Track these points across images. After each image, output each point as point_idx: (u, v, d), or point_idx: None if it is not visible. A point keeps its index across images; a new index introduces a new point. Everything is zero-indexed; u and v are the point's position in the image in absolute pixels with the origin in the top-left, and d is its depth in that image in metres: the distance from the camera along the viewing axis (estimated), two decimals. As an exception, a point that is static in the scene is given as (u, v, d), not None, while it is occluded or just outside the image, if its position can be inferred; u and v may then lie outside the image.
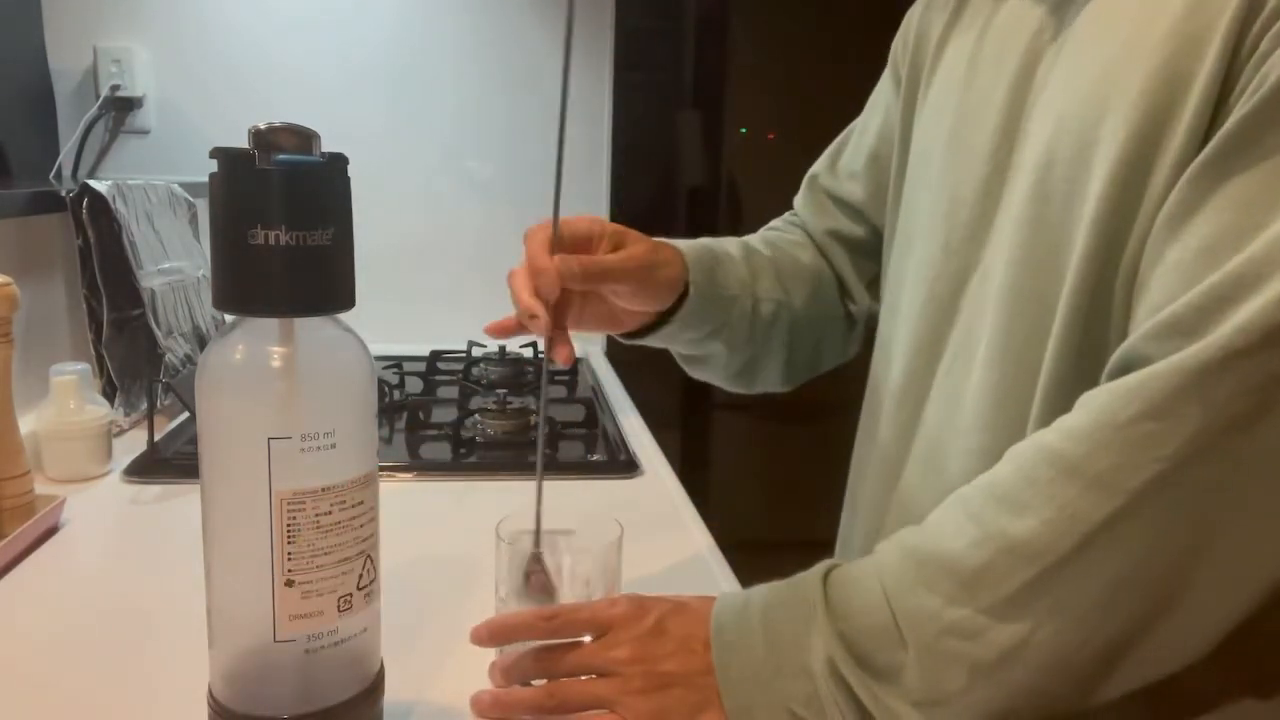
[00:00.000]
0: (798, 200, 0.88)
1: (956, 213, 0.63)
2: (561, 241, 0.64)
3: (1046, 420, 0.51)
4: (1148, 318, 0.47)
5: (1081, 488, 0.45)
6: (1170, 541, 0.44)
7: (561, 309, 0.66)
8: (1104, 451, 0.45)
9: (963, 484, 0.55)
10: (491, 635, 0.58)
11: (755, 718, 0.51)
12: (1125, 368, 0.47)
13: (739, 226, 2.33)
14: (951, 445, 0.62)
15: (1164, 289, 0.47)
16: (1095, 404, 0.46)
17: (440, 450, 1.10)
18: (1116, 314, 0.52)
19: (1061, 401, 0.52)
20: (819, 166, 0.86)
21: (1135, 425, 0.44)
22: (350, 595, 0.48)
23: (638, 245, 0.68)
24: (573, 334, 0.68)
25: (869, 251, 0.80)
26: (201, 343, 1.27)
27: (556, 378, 1.48)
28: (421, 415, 1.22)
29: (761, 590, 0.56)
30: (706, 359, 0.80)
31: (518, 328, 0.67)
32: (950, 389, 0.63)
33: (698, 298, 0.72)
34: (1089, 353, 0.52)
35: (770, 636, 0.53)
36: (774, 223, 0.89)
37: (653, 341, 0.76)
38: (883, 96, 0.81)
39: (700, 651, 0.54)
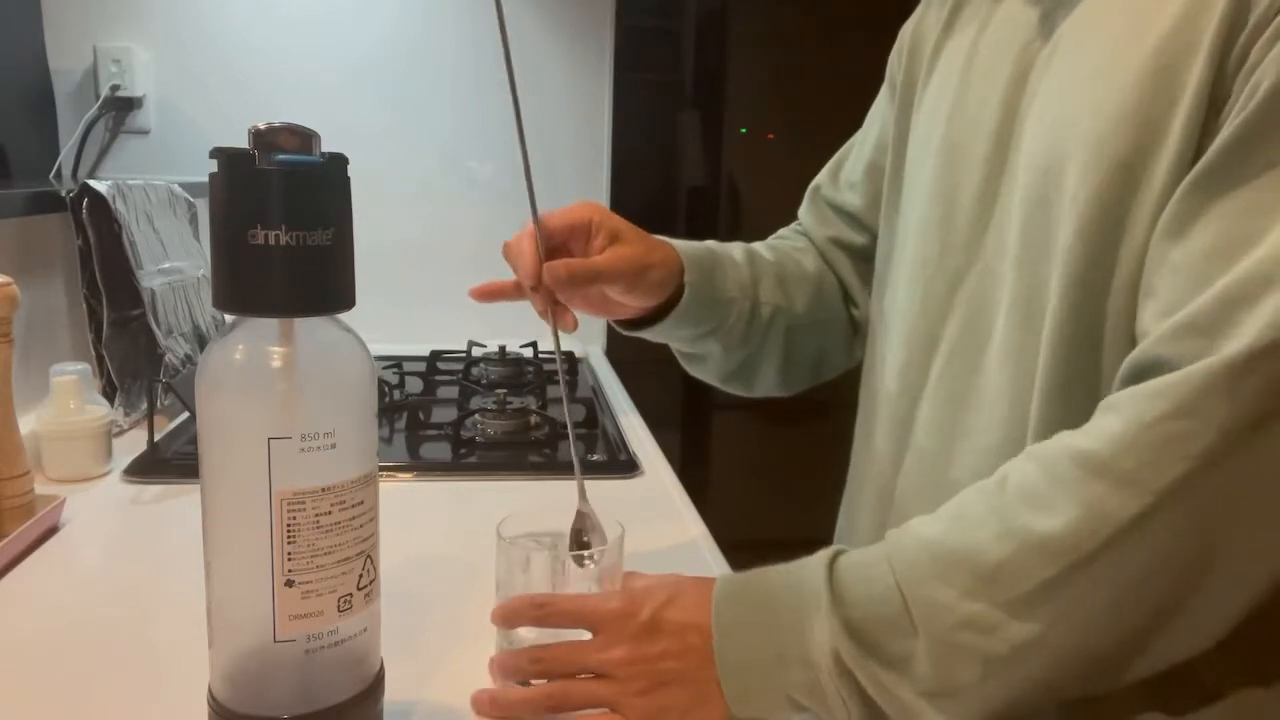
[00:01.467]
0: (801, 211, 0.89)
1: (954, 215, 0.63)
2: (555, 231, 0.66)
3: (1045, 416, 0.51)
4: (1159, 320, 0.48)
5: (1109, 487, 0.45)
6: (1192, 540, 0.45)
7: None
8: (1131, 451, 0.45)
9: (972, 481, 0.55)
10: (502, 618, 0.59)
11: (754, 703, 0.52)
12: (1143, 370, 0.47)
13: (739, 227, 2.33)
14: (958, 444, 0.62)
15: (1173, 291, 0.48)
16: (1121, 406, 0.47)
17: (440, 450, 1.10)
18: (1111, 314, 0.52)
19: (1058, 397, 0.52)
20: (821, 178, 0.87)
21: (1162, 425, 0.44)
22: (350, 595, 0.48)
23: (632, 245, 0.68)
24: (566, 330, 0.68)
25: (870, 258, 0.81)
26: (201, 343, 1.27)
27: (556, 377, 1.48)
28: (421, 415, 1.22)
29: (762, 575, 0.56)
30: (704, 357, 0.80)
31: (515, 291, 0.68)
32: (949, 388, 0.63)
33: (694, 298, 0.72)
34: (1082, 351, 0.53)
35: (771, 623, 0.53)
36: (780, 231, 0.90)
37: (649, 335, 0.76)
38: (880, 108, 0.82)
39: (698, 643, 0.54)
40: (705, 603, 0.55)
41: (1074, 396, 0.53)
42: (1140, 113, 0.50)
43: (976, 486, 0.52)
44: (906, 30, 0.77)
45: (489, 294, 0.70)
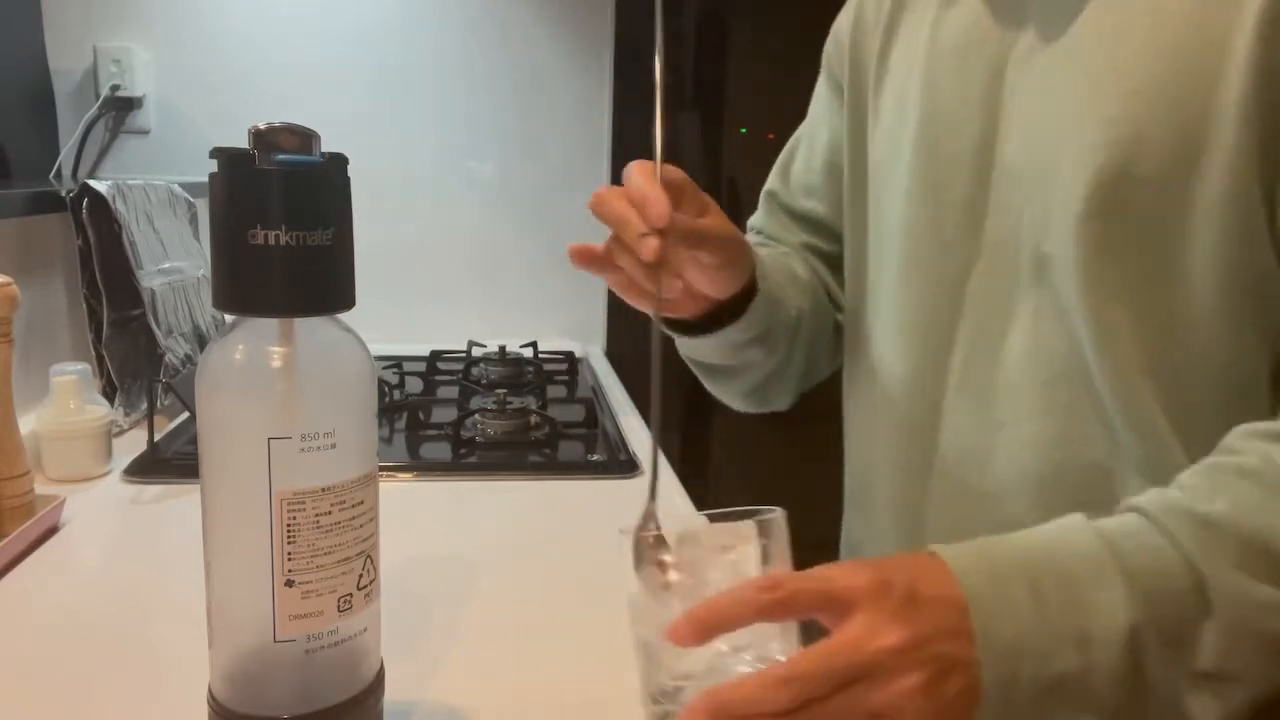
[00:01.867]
0: (758, 219, 0.87)
1: (943, 216, 0.64)
2: (668, 182, 0.59)
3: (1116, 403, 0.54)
4: None
5: None
6: None
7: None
8: None
9: (1022, 474, 0.58)
10: (699, 628, 0.43)
11: (1018, 692, 0.44)
12: None
13: (739, 227, 2.32)
14: (992, 439, 0.61)
15: None
16: None
17: (440, 450, 1.10)
18: (1184, 293, 0.54)
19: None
20: (774, 183, 0.85)
21: None
22: (350, 595, 0.48)
23: (723, 217, 0.65)
24: (671, 295, 0.62)
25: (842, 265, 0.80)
26: (201, 343, 1.27)
27: (556, 377, 1.48)
28: (421, 415, 1.22)
29: (999, 545, 0.48)
30: (739, 370, 0.77)
31: (605, 259, 0.61)
32: (975, 386, 0.63)
33: (764, 291, 0.70)
34: (1149, 332, 0.55)
35: (1036, 597, 0.45)
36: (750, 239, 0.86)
37: (700, 345, 0.72)
38: (826, 108, 0.80)
39: (958, 621, 0.44)
40: (946, 572, 0.46)
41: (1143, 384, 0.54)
42: (1178, 99, 0.51)
43: (1223, 467, 0.50)
44: (843, 29, 0.75)
45: (584, 255, 0.62)
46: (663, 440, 1.16)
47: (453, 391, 1.34)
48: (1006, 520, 0.57)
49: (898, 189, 0.67)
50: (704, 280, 0.64)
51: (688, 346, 0.74)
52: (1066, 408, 0.57)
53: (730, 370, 0.77)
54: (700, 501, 0.95)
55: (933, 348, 0.65)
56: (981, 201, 0.62)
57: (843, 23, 0.76)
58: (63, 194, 1.10)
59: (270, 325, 0.46)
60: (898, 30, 0.69)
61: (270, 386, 0.47)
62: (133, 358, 1.14)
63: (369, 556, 0.49)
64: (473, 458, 1.09)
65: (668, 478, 1.03)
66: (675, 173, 0.61)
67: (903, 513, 0.69)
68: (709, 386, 0.81)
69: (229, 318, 0.47)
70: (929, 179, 0.65)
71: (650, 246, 0.56)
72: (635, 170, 0.58)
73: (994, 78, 0.61)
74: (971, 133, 0.62)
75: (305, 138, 0.45)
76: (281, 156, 0.44)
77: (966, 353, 0.63)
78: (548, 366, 1.48)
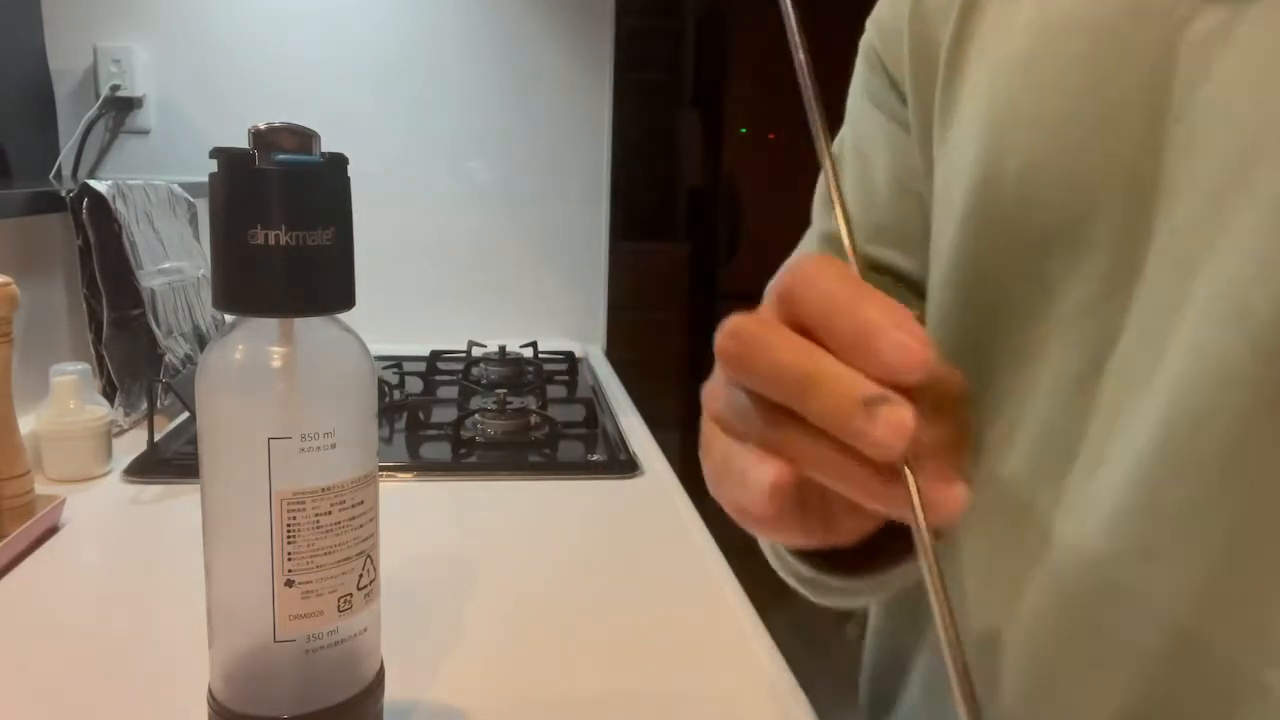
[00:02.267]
0: None
1: (1077, 270, 0.46)
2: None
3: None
4: None
5: None
6: None
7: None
8: None
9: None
10: None
11: None
12: None
13: (739, 226, 2.32)
14: (1116, 568, 0.44)
15: None
16: None
17: (440, 450, 1.11)
18: None
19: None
20: (824, 221, 0.63)
21: None
22: (350, 595, 0.48)
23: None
24: (948, 509, 0.31)
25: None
26: (201, 343, 1.27)
27: (556, 377, 1.48)
28: (421, 415, 1.22)
29: None
30: (885, 587, 0.47)
31: (789, 482, 0.32)
32: (1101, 502, 0.46)
33: None
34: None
35: None
36: None
37: (860, 585, 0.46)
38: (879, 119, 0.59)
39: None
40: None
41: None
42: None
43: None
44: (897, 18, 0.56)
45: (780, 493, 0.32)
46: (662, 440, 1.16)
47: (453, 391, 1.34)
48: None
49: (989, 228, 0.48)
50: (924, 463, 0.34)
51: (836, 594, 0.49)
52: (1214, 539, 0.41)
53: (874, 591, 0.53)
54: (701, 501, 0.95)
55: (1048, 450, 0.47)
56: (1137, 246, 0.43)
57: (893, 11, 0.57)
58: (63, 194, 1.10)
59: (270, 325, 0.46)
60: (980, 13, 0.51)
61: (270, 386, 0.47)
62: (133, 358, 1.14)
63: (369, 556, 0.49)
64: (473, 458, 1.09)
65: (668, 478, 1.03)
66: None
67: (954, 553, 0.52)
68: (819, 599, 0.53)
69: (229, 318, 0.47)
70: (1051, 216, 0.45)
71: (900, 423, 0.28)
72: (822, 272, 0.30)
73: (1157, 67, 0.42)
74: (1121, 152, 0.43)
75: (305, 138, 0.45)
76: (281, 156, 0.44)
77: (1091, 463, 0.45)
78: (548, 366, 1.48)
